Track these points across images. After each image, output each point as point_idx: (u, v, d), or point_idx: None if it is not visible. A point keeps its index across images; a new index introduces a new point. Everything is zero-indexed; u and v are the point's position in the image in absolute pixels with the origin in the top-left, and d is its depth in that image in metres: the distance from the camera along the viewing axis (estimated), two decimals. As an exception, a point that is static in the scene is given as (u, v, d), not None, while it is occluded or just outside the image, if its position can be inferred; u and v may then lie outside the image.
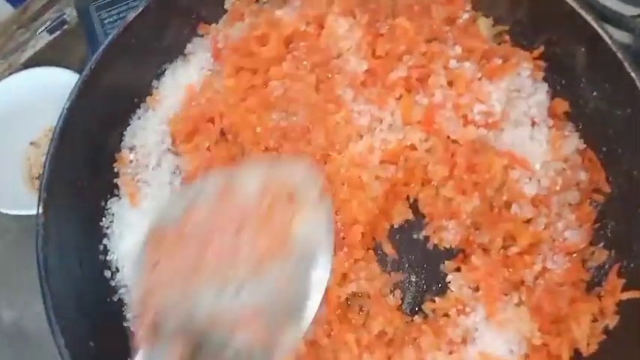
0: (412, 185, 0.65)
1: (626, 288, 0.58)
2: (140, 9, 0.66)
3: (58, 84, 0.82)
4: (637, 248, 0.59)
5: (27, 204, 0.75)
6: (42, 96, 0.83)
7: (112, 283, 0.65)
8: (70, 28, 0.96)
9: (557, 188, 0.63)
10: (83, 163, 0.66)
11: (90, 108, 0.65)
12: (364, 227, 0.62)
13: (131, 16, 0.66)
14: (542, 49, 0.66)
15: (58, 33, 0.97)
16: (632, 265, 0.59)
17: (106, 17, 0.89)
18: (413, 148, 0.64)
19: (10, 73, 0.92)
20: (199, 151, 0.68)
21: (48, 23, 0.96)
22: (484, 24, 0.71)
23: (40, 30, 0.96)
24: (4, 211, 0.76)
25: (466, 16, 0.69)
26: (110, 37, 0.65)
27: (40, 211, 0.59)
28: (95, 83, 0.65)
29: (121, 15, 0.88)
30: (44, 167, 0.60)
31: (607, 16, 0.70)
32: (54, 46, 0.96)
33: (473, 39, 0.67)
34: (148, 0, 0.66)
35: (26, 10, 0.96)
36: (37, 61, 0.95)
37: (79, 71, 0.80)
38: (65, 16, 0.96)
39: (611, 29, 0.64)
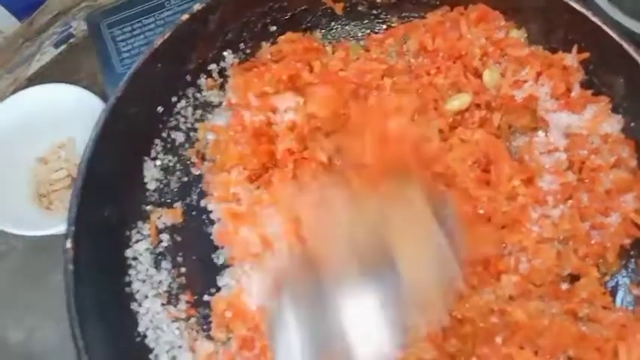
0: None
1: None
2: (167, 34, 0.64)
3: (66, 100, 0.79)
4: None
5: (34, 224, 0.73)
6: (50, 112, 0.80)
7: (139, 319, 0.64)
8: (77, 41, 0.94)
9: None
10: (108, 193, 0.63)
11: (115, 138, 0.62)
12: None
13: (158, 41, 0.64)
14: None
15: (64, 47, 0.94)
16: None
17: (119, 34, 0.86)
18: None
19: (16, 88, 0.89)
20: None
21: (54, 37, 0.93)
22: (518, 34, 0.69)
23: (46, 44, 0.93)
24: (11, 230, 0.72)
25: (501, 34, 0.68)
26: (135, 66, 0.63)
27: (69, 245, 0.57)
28: (120, 112, 0.63)
29: (134, 32, 0.86)
30: (71, 202, 0.58)
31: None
32: (60, 60, 0.93)
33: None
34: (176, 24, 0.64)
35: (32, 24, 0.92)
36: (43, 75, 0.92)
37: (88, 87, 0.78)
38: (72, 30, 0.94)
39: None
